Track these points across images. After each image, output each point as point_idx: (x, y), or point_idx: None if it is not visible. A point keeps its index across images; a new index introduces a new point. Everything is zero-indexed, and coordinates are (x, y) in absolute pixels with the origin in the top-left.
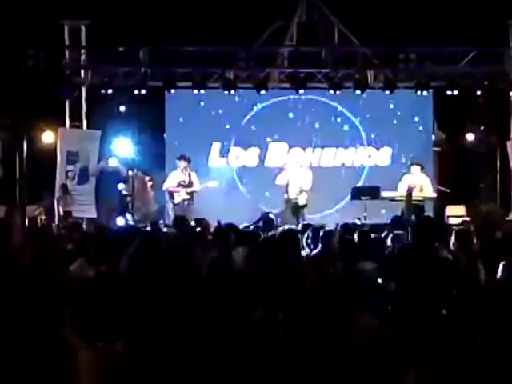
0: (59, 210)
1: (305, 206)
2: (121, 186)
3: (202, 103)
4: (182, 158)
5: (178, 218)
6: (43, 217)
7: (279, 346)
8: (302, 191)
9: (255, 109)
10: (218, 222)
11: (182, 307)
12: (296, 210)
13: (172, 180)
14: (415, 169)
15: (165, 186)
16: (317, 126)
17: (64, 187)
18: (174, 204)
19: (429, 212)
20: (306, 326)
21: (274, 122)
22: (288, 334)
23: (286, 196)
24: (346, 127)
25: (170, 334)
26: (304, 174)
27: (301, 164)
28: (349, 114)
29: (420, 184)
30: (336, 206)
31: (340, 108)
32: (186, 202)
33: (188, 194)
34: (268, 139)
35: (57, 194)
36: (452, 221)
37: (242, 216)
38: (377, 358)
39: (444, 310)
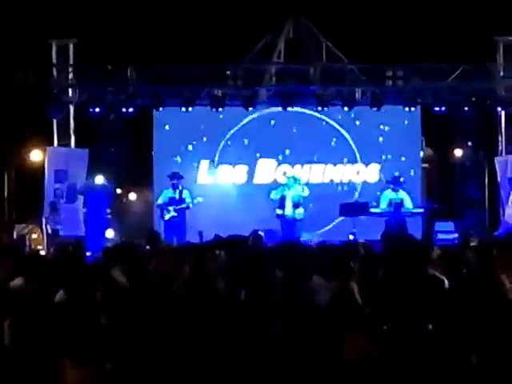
0: (47, 229)
1: (301, 220)
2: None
3: (190, 121)
4: (173, 175)
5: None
6: (34, 235)
7: (273, 363)
8: (298, 205)
9: (243, 126)
10: (200, 232)
11: (171, 326)
12: (291, 225)
13: (164, 197)
14: (396, 185)
15: (157, 203)
16: (305, 142)
17: (53, 205)
18: (164, 221)
19: (417, 228)
20: (300, 344)
21: (262, 139)
22: (282, 352)
23: (280, 212)
24: (334, 144)
25: (158, 352)
26: (298, 188)
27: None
28: (337, 131)
29: (400, 199)
30: (331, 223)
31: (328, 125)
32: (175, 219)
33: (177, 211)
34: (257, 156)
35: (45, 213)
36: (441, 236)
37: (231, 232)
38: (367, 377)
39: (430, 326)
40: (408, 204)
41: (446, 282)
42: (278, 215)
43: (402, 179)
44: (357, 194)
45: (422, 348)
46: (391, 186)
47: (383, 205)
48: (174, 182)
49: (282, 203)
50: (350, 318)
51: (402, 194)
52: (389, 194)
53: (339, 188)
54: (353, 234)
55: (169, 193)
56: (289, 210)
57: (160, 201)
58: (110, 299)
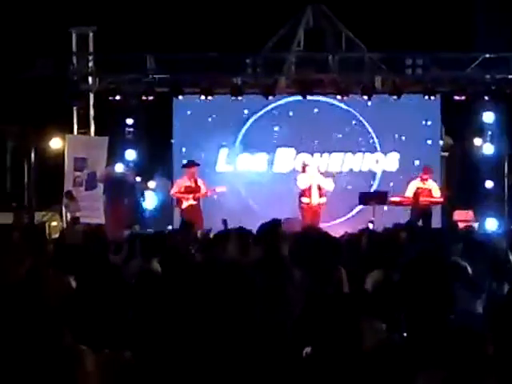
0: (67, 216)
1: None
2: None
3: (210, 109)
4: (190, 164)
5: (184, 223)
6: (53, 223)
7: (286, 354)
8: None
9: (263, 115)
10: (224, 220)
11: (190, 313)
12: (316, 214)
13: (178, 186)
14: (425, 175)
15: (171, 192)
16: (324, 131)
17: (69, 194)
18: (181, 209)
19: (436, 217)
20: (314, 332)
21: (281, 127)
22: (296, 341)
23: (307, 200)
24: (353, 133)
25: (178, 340)
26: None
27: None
28: (356, 120)
29: (428, 189)
30: (349, 213)
31: (347, 114)
32: (193, 208)
33: (195, 199)
34: (276, 144)
35: (64, 201)
36: (460, 225)
37: (250, 221)
38: (386, 364)
39: (452, 315)
40: (435, 193)
41: (469, 268)
42: (303, 203)
43: (430, 170)
44: (376, 182)
45: (442, 337)
46: (419, 176)
47: (408, 194)
48: (192, 170)
49: (307, 192)
50: (383, 308)
51: (430, 184)
52: (415, 184)
53: (359, 177)
54: (372, 222)
55: (183, 181)
56: (315, 200)
57: (174, 190)
58: (145, 288)
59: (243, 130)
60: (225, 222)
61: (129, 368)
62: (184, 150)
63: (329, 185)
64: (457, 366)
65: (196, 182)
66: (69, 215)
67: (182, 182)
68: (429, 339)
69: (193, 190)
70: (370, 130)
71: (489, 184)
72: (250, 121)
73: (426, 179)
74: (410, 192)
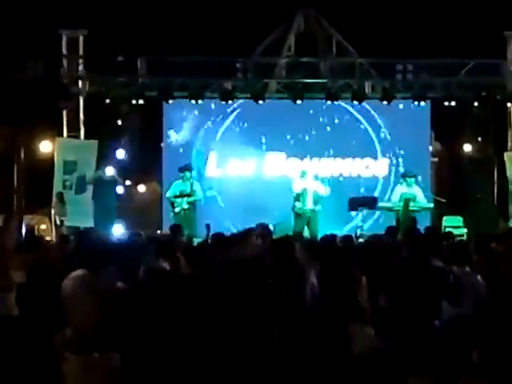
0: (55, 220)
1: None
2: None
3: (199, 113)
4: (185, 168)
5: (174, 227)
6: (42, 226)
7: (273, 359)
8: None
9: (252, 119)
10: (207, 225)
11: (178, 316)
12: (310, 220)
13: (174, 189)
14: (410, 180)
15: (167, 194)
16: (315, 136)
17: (60, 195)
18: (175, 213)
19: (426, 222)
20: (302, 338)
21: (271, 132)
22: (283, 346)
23: (300, 205)
24: (343, 138)
25: (166, 342)
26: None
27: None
28: (346, 125)
29: (413, 195)
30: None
31: (337, 119)
32: (186, 212)
33: (189, 203)
34: (266, 149)
35: (53, 200)
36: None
37: (241, 225)
38: (374, 370)
39: (437, 321)
40: (421, 200)
41: (452, 274)
42: (298, 208)
43: (415, 174)
44: (365, 188)
45: (428, 343)
46: (404, 181)
47: (394, 199)
48: (185, 174)
49: (302, 197)
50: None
51: (415, 190)
52: (401, 189)
53: (348, 182)
54: (360, 228)
55: (179, 185)
56: (310, 205)
57: (170, 193)
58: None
59: (232, 134)
60: (208, 226)
61: (115, 369)
62: (174, 153)
63: (324, 190)
64: (443, 372)
65: (192, 185)
66: (57, 218)
67: (178, 186)
68: (415, 345)
69: (187, 195)
70: (361, 135)
71: (478, 189)
72: (240, 125)
73: (411, 185)
74: (395, 197)
